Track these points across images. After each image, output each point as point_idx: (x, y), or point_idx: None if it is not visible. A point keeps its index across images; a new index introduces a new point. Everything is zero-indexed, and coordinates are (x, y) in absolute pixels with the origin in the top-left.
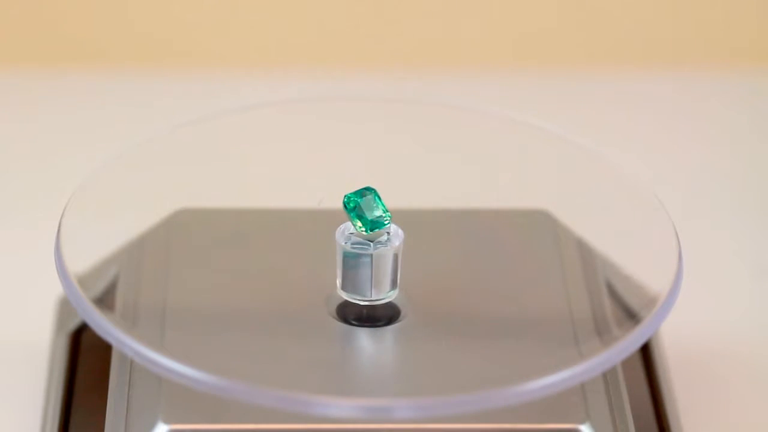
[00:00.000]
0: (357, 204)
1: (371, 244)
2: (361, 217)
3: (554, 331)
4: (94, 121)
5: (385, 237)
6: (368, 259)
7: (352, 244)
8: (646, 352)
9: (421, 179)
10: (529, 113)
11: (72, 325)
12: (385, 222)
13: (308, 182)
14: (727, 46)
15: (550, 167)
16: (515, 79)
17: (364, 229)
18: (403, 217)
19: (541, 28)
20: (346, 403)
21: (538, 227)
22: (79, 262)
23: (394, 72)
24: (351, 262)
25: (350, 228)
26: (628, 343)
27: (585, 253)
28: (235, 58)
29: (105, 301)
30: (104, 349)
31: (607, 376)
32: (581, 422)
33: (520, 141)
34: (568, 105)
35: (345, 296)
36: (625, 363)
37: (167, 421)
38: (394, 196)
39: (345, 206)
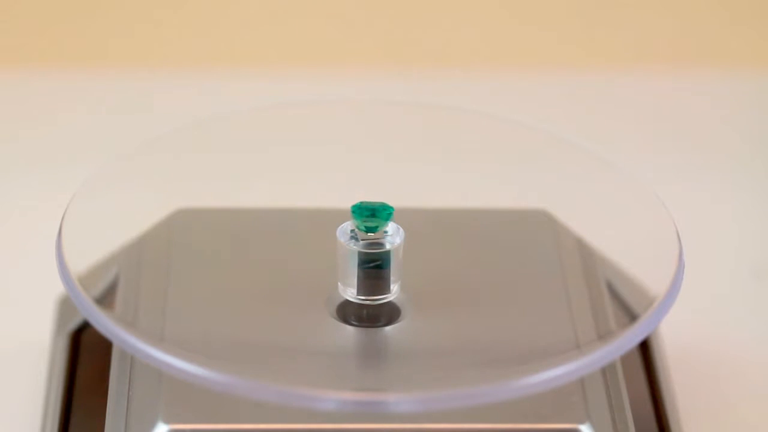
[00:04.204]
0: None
1: (373, 243)
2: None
3: (554, 331)
4: (95, 122)
5: (386, 236)
6: (369, 259)
7: (354, 243)
8: (645, 351)
9: (421, 179)
10: (528, 113)
11: (72, 325)
12: (385, 216)
13: (308, 182)
14: (727, 46)
15: (549, 167)
16: (515, 79)
17: (366, 227)
18: (403, 217)
19: (540, 29)
20: (347, 398)
21: (538, 227)
22: (80, 262)
23: (394, 73)
24: (352, 261)
25: (351, 227)
26: (628, 339)
27: (585, 253)
28: (234, 59)
29: (105, 301)
30: (104, 349)
31: (607, 376)
32: (581, 422)
33: (519, 141)
34: (567, 105)
35: (345, 296)
36: (625, 363)
37: (167, 421)
38: (394, 196)
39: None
